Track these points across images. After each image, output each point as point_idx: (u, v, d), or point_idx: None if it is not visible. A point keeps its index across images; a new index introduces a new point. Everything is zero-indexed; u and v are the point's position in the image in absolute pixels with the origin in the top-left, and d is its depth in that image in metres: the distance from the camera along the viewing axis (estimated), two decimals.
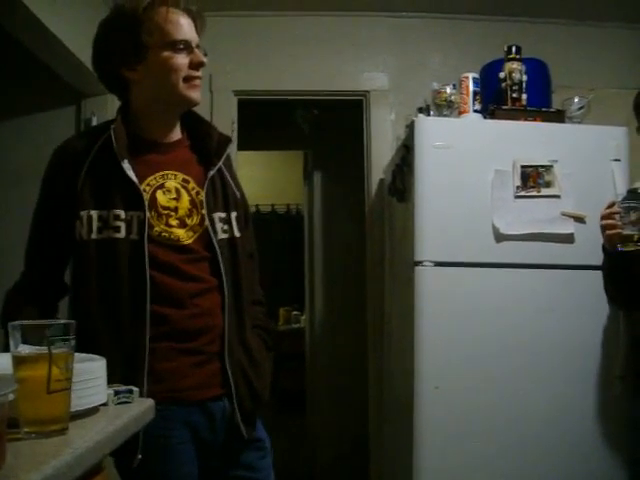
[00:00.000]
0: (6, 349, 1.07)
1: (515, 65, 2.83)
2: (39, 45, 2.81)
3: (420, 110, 2.97)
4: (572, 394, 2.59)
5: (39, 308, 1.63)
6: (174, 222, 1.65)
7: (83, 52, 2.95)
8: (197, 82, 1.68)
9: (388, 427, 3.25)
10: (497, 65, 2.90)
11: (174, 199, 1.67)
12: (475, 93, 2.82)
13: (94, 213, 1.60)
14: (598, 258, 2.26)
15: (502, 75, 2.84)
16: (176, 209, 1.67)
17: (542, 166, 2.63)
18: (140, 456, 1.47)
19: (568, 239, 2.63)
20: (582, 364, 2.61)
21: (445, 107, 2.81)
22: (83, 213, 1.60)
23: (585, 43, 3.72)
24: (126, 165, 1.61)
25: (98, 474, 1.11)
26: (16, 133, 3.41)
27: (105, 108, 3.45)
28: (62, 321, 1.07)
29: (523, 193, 2.61)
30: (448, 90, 2.80)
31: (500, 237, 2.60)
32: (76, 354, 1.09)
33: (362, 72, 3.64)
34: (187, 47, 1.64)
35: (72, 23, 2.89)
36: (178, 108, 1.73)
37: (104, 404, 1.24)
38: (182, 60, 1.64)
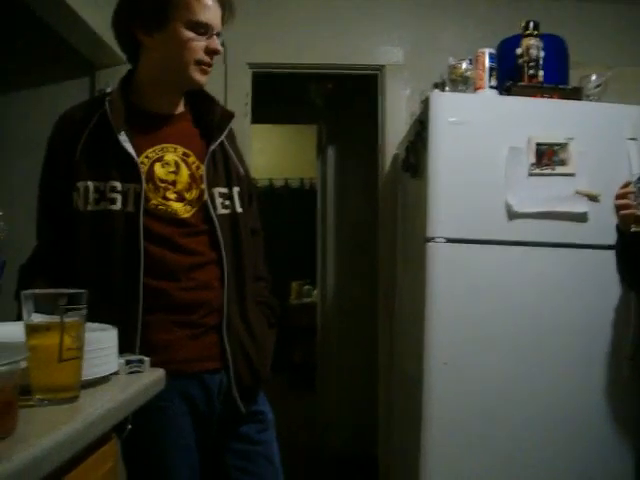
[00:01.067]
0: (19, 319, 1.08)
1: (532, 41, 2.80)
2: (53, 15, 2.80)
3: (435, 85, 2.95)
4: (582, 373, 2.59)
5: (51, 279, 1.64)
6: (172, 195, 1.65)
7: (98, 23, 2.95)
8: (208, 69, 1.68)
9: (397, 402, 3.27)
10: (514, 41, 2.86)
11: (173, 172, 1.67)
12: (491, 69, 2.79)
13: (91, 184, 1.60)
14: (611, 238, 2.25)
15: (519, 51, 2.80)
16: (174, 182, 1.67)
17: (557, 144, 2.61)
18: (130, 426, 1.48)
19: (581, 218, 2.62)
20: (592, 344, 2.60)
21: (461, 82, 2.78)
22: (80, 184, 1.61)
23: (603, 20, 3.67)
24: (122, 137, 1.61)
25: (108, 441, 1.13)
26: (30, 103, 3.41)
27: (118, 78, 3.45)
28: (74, 290, 1.08)
29: (537, 171, 2.59)
30: (464, 65, 2.78)
31: (513, 215, 2.59)
32: (88, 324, 1.10)
33: (377, 46, 3.61)
34: (207, 31, 1.64)
35: None
36: (182, 86, 1.73)
37: (115, 373, 1.25)
38: (199, 42, 1.63)
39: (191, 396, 1.64)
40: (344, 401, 4.56)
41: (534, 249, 2.62)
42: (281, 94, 4.47)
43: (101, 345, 1.20)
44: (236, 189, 1.75)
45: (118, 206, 1.59)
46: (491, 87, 2.78)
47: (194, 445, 1.65)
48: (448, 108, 2.63)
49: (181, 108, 1.77)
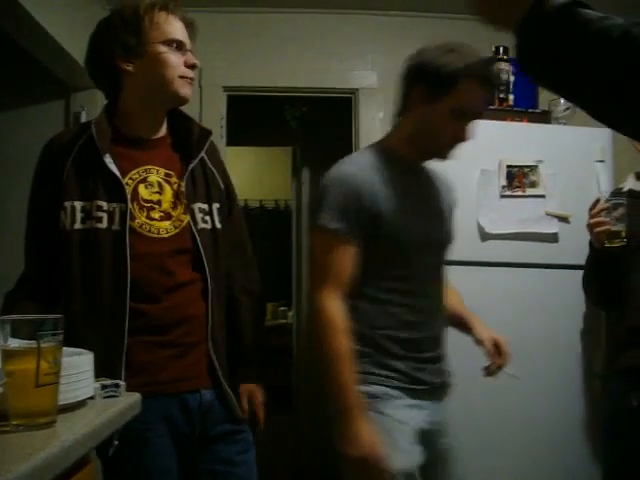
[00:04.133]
0: None
1: (503, 66, 2.86)
2: (29, 39, 2.82)
3: None
4: (554, 392, 2.62)
5: (38, 302, 1.66)
6: (156, 215, 1.69)
7: (73, 46, 2.97)
8: (190, 82, 1.75)
9: None
10: None
11: (157, 192, 1.72)
12: None
13: (77, 204, 1.64)
14: (582, 257, 2.29)
15: None
16: (159, 202, 1.71)
17: (527, 166, 2.66)
18: (117, 442, 1.48)
19: (552, 238, 2.67)
20: (564, 363, 2.64)
21: None
22: (67, 204, 1.64)
23: None
24: (108, 159, 1.66)
25: (85, 466, 1.13)
26: (4, 127, 3.41)
27: (95, 102, 3.45)
28: (51, 316, 1.08)
29: (508, 193, 2.64)
30: None
31: (485, 236, 2.63)
32: (64, 348, 1.10)
33: (351, 70, 3.66)
34: (182, 48, 1.72)
35: (62, 18, 2.90)
36: (168, 104, 1.78)
37: (91, 397, 1.25)
38: (177, 58, 1.71)
39: (172, 417, 1.65)
40: (322, 421, 4.54)
41: (506, 269, 2.66)
42: (257, 117, 4.50)
43: (77, 370, 1.20)
44: (216, 205, 1.80)
45: (104, 224, 1.63)
46: None
47: (175, 467, 1.66)
48: None
49: (163, 132, 1.81)
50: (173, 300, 1.67)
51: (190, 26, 1.77)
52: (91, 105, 3.45)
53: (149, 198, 1.70)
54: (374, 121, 3.62)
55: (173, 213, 1.71)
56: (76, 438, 1.02)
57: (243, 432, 1.80)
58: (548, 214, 2.64)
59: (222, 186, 1.86)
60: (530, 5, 0.90)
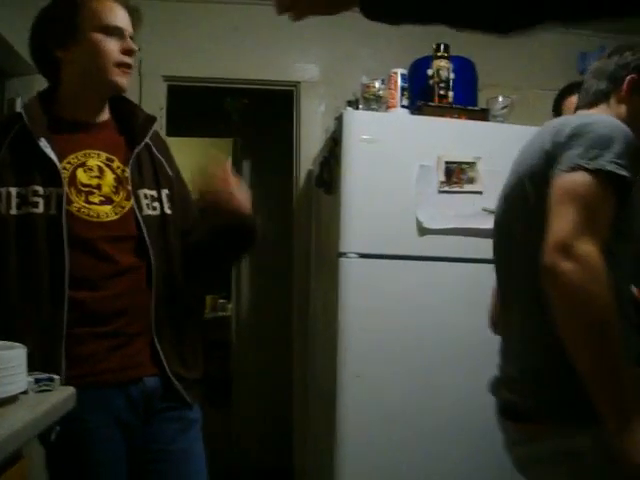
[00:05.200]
0: None
1: (443, 63, 2.90)
2: None
3: (349, 103, 3.00)
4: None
5: None
6: (96, 199, 1.67)
7: (8, 30, 2.89)
8: (127, 69, 1.72)
9: (312, 415, 3.29)
10: (426, 62, 2.96)
11: (96, 177, 1.69)
12: (403, 89, 2.87)
13: (13, 190, 1.60)
14: None
15: (430, 72, 2.90)
16: (99, 186, 1.68)
17: (465, 163, 2.70)
18: (58, 427, 1.45)
19: (488, 234, 2.70)
20: None
21: (374, 101, 2.85)
22: (2, 190, 1.60)
23: (512, 44, 3.81)
24: (43, 143, 1.62)
25: (17, 462, 1.11)
26: None
27: (31, 88, 3.36)
28: None
29: (446, 188, 2.68)
30: (377, 85, 2.84)
31: (423, 231, 2.67)
32: None
33: (293, 63, 3.65)
34: (119, 34, 1.69)
35: None
36: (106, 92, 1.76)
37: (24, 392, 1.23)
38: (113, 45, 1.68)
39: (114, 407, 1.62)
40: (260, 414, 4.55)
41: (444, 264, 2.70)
42: (197, 107, 4.45)
43: (8, 364, 1.17)
44: (164, 191, 1.78)
45: (40, 209, 1.59)
46: (403, 106, 2.86)
47: (123, 456, 1.64)
48: (361, 126, 2.69)
49: (105, 116, 1.79)
50: (114, 288, 1.64)
51: (133, 13, 1.75)
52: (27, 91, 3.35)
53: (88, 182, 1.67)
54: (316, 114, 3.63)
55: (115, 198, 1.69)
56: (8, 434, 1.00)
57: (183, 411, 1.77)
58: (485, 210, 2.69)
59: (170, 173, 1.84)
60: None
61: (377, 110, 2.85)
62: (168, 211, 1.76)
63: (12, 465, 1.08)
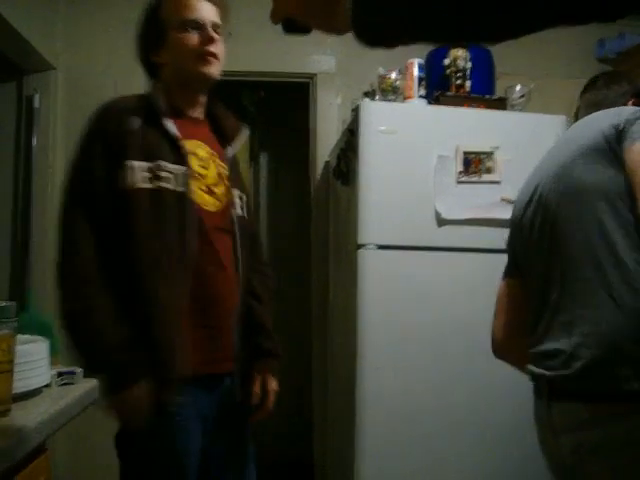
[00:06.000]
0: None
1: (460, 52, 2.88)
2: None
3: (366, 94, 3.00)
4: (510, 375, 2.66)
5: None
6: (203, 187, 1.71)
7: (25, 27, 2.91)
8: (211, 58, 1.74)
9: (331, 407, 3.30)
10: (442, 52, 2.94)
11: (203, 167, 1.74)
12: (420, 79, 2.86)
13: (143, 164, 1.61)
14: None
15: (447, 62, 2.88)
16: (205, 177, 1.73)
17: (484, 152, 2.68)
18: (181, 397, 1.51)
19: (507, 224, 2.69)
20: None
21: (390, 92, 2.84)
22: (132, 163, 1.60)
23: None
24: (169, 124, 1.67)
25: (41, 454, 1.12)
26: None
27: (48, 85, 3.40)
28: (3, 303, 1.07)
29: (465, 179, 2.67)
30: (393, 75, 2.83)
31: (442, 221, 2.66)
32: (19, 336, 1.09)
33: (309, 55, 3.65)
34: (198, 26, 1.73)
35: None
36: (198, 85, 1.79)
37: (47, 385, 1.24)
38: (192, 39, 1.72)
39: (199, 400, 1.64)
40: (278, 406, 4.56)
41: (462, 254, 2.69)
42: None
43: (32, 357, 1.19)
44: (244, 196, 1.87)
45: (171, 185, 1.62)
46: (420, 97, 2.85)
47: (199, 449, 1.65)
48: (378, 117, 2.68)
49: (203, 114, 1.85)
50: (215, 277, 1.68)
51: (217, 3, 1.79)
52: (44, 88, 3.39)
53: (198, 170, 1.71)
54: (332, 106, 3.62)
55: (215, 190, 1.74)
56: (31, 427, 1.01)
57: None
58: (503, 200, 2.67)
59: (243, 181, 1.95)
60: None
61: (394, 101, 2.84)
62: (246, 215, 1.85)
63: (37, 457, 1.09)
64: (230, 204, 1.77)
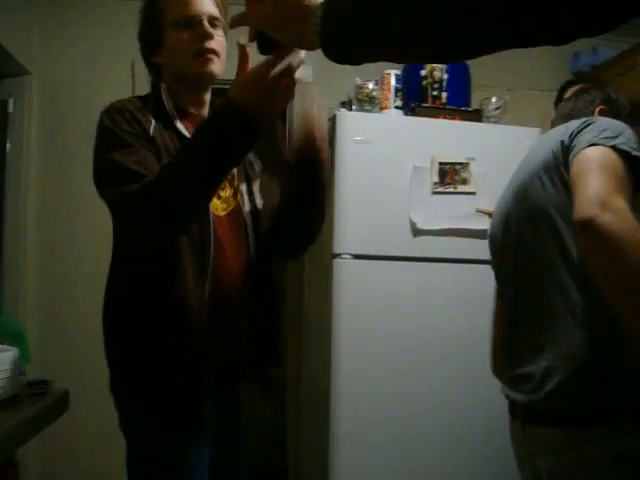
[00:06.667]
0: None
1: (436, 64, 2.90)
2: None
3: (342, 104, 3.00)
4: (484, 387, 2.67)
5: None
6: None
7: (0, 32, 2.88)
8: (209, 55, 1.62)
9: (306, 416, 3.29)
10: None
11: None
12: (397, 90, 2.87)
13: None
14: None
15: (423, 73, 2.90)
16: None
17: (459, 163, 2.70)
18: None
19: (482, 235, 2.71)
20: None
21: (367, 102, 2.85)
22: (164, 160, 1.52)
23: None
24: (180, 125, 1.60)
25: (10, 468, 1.10)
26: None
27: (22, 89, 3.37)
28: None
29: (440, 189, 2.68)
30: (370, 86, 2.84)
31: (417, 232, 2.67)
32: None
33: None
34: (192, 23, 1.61)
35: None
36: (197, 84, 1.68)
37: (17, 395, 1.23)
38: (187, 37, 1.61)
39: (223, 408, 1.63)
40: (253, 415, 4.54)
41: (437, 265, 2.70)
42: None
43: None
44: (256, 184, 1.75)
45: None
46: (396, 107, 2.86)
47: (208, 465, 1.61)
48: (354, 127, 2.69)
49: (206, 111, 1.73)
50: (225, 281, 1.59)
51: None
52: (19, 92, 3.37)
53: None
54: None
55: (222, 194, 1.64)
56: None
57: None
58: (478, 211, 2.69)
59: (257, 167, 1.82)
60: (318, 17, 0.93)
61: (370, 111, 2.85)
62: (260, 206, 1.72)
63: (4, 471, 1.07)
64: (238, 206, 1.67)
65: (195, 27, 1.61)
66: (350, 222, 2.64)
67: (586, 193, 1.36)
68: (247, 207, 1.69)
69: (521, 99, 3.46)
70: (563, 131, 1.53)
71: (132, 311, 1.51)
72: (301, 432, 3.38)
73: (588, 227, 1.32)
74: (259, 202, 1.74)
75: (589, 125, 1.50)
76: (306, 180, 1.66)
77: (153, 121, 1.55)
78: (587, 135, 1.46)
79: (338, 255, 2.62)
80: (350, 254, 2.62)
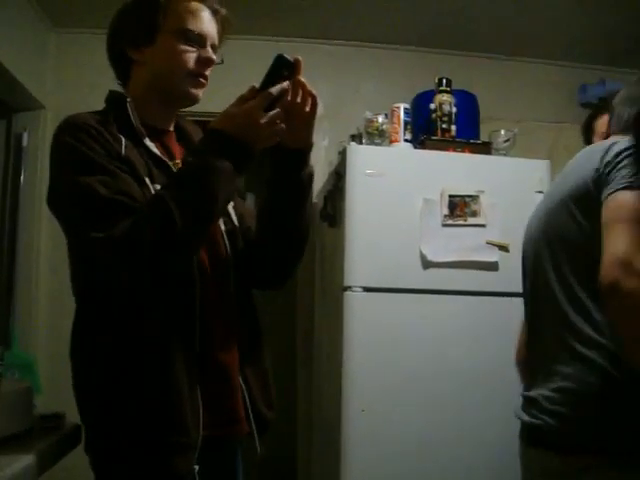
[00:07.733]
0: None
1: (445, 97, 2.93)
2: None
3: (353, 137, 3.03)
4: (497, 421, 2.64)
5: None
6: None
7: (15, 65, 2.93)
8: (202, 80, 1.54)
9: (317, 450, 3.27)
10: (428, 96, 2.99)
11: None
12: (406, 123, 2.89)
13: (152, 186, 1.41)
14: (520, 286, 2.33)
15: (433, 106, 2.93)
16: None
17: (469, 196, 2.71)
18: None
19: (492, 267, 2.72)
20: (505, 390, 2.66)
21: (377, 136, 2.87)
22: (145, 180, 1.41)
23: (512, 77, 3.86)
24: (149, 142, 1.48)
25: None
26: None
27: (37, 123, 3.42)
28: None
29: (450, 222, 2.69)
30: (380, 119, 2.87)
31: (427, 264, 2.67)
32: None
33: None
34: (199, 41, 1.52)
35: (5, 37, 2.86)
36: (174, 101, 1.57)
37: (29, 430, 1.23)
38: (190, 53, 1.51)
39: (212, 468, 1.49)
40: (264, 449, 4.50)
41: (448, 297, 2.70)
42: None
43: (14, 401, 1.17)
44: (230, 204, 1.60)
45: None
46: (406, 140, 2.88)
47: None
48: (364, 160, 2.71)
49: (171, 126, 1.62)
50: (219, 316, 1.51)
51: (223, 22, 1.59)
52: (33, 126, 3.41)
53: None
54: (319, 148, 3.64)
55: None
56: (12, 473, 1.00)
57: None
58: (488, 243, 2.70)
59: None
60: None
61: (380, 144, 2.87)
62: (237, 223, 1.61)
63: None
64: (214, 232, 1.53)
65: (201, 47, 1.53)
66: (361, 255, 2.64)
67: (610, 251, 1.31)
68: (223, 227, 1.57)
69: (529, 131, 3.48)
70: (598, 158, 1.46)
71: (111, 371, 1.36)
72: (312, 467, 3.35)
73: (612, 292, 1.28)
74: (235, 220, 1.62)
75: (628, 157, 1.42)
76: (289, 182, 1.62)
77: (123, 139, 1.42)
78: (623, 171, 1.39)
79: (349, 288, 2.62)
80: (361, 287, 2.62)
